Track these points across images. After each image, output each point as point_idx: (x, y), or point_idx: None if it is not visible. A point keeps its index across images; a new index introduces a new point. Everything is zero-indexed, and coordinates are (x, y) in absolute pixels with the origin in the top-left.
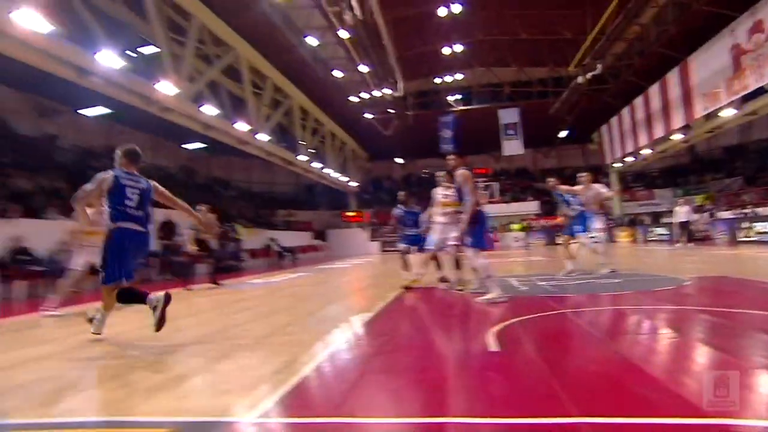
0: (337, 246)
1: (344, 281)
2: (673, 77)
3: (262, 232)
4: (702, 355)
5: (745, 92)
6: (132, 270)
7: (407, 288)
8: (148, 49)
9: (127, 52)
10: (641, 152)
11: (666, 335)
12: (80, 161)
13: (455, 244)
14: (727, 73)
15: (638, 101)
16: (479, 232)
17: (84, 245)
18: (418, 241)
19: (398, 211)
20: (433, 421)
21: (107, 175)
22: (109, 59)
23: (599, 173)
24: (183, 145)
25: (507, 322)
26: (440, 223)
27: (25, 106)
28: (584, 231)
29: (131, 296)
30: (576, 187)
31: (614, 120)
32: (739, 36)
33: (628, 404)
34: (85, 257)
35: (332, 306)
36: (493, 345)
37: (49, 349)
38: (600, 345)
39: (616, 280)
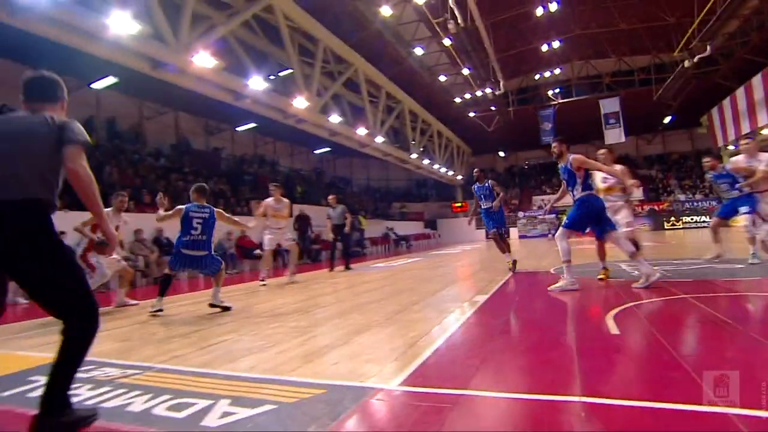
0: (446, 234)
1: (457, 265)
2: None
3: (381, 222)
4: None
5: None
6: (204, 269)
7: (513, 269)
8: (285, 73)
9: (270, 76)
10: (762, 132)
11: None
12: (237, 167)
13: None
14: None
15: (756, 79)
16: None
17: (272, 228)
18: (494, 220)
19: (473, 187)
20: (565, 399)
21: (182, 207)
22: (256, 84)
23: (709, 157)
24: (314, 151)
25: (624, 306)
26: (611, 209)
27: (198, 126)
28: (752, 213)
29: (165, 285)
30: (738, 159)
31: (726, 101)
32: None
33: None
34: (273, 239)
35: (450, 287)
36: (613, 328)
37: (228, 318)
38: (730, 332)
39: (740, 266)
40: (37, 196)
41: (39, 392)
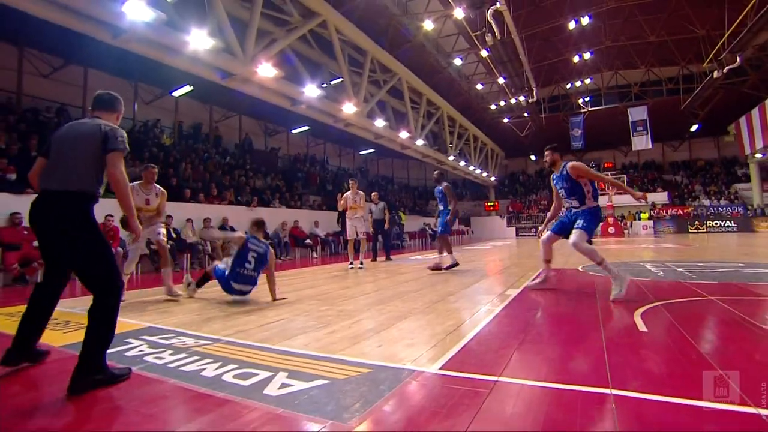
0: (479, 231)
1: (489, 260)
2: None
3: (418, 218)
4: None
5: None
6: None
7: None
8: (336, 81)
9: (323, 84)
10: None
11: None
12: (291, 166)
13: None
14: None
15: None
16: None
17: (351, 218)
18: (442, 223)
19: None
20: (595, 390)
21: (243, 236)
22: (311, 91)
23: (735, 165)
24: (359, 152)
25: (650, 305)
26: None
27: (258, 129)
28: None
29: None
30: None
31: (755, 111)
32: None
33: None
34: (351, 227)
35: (484, 280)
36: (641, 326)
37: (282, 299)
38: (757, 334)
39: (766, 270)
40: (83, 189)
41: (133, 352)
